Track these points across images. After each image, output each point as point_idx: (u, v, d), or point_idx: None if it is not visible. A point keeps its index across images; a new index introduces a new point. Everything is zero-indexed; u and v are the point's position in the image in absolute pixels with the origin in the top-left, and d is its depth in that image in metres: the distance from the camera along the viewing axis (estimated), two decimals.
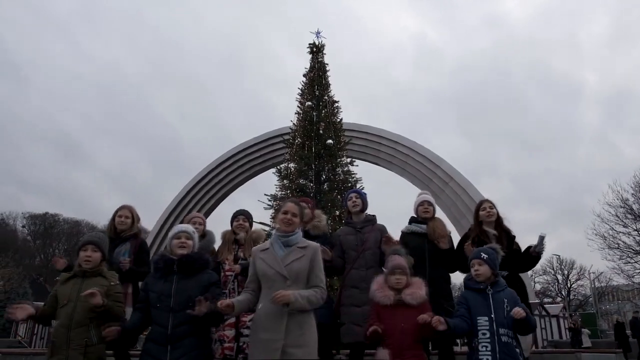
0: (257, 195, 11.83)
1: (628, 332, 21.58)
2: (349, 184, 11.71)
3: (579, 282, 53.40)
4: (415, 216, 5.41)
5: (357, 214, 5.48)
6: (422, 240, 5.09)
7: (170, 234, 4.07)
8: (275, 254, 3.62)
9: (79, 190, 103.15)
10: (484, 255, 4.05)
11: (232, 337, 4.79)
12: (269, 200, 11.61)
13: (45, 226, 75.84)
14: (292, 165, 12.16)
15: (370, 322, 4.03)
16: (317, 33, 13.92)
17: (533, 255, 4.85)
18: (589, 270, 46.16)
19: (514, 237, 5.09)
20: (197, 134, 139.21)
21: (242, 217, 5.41)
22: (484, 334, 3.79)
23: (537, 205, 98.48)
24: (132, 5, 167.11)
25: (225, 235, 5.39)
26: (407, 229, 5.34)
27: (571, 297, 52.95)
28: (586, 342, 22.09)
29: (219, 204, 36.37)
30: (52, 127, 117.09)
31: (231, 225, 5.42)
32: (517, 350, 3.81)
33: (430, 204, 5.41)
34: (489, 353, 3.72)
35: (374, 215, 5.53)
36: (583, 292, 53.31)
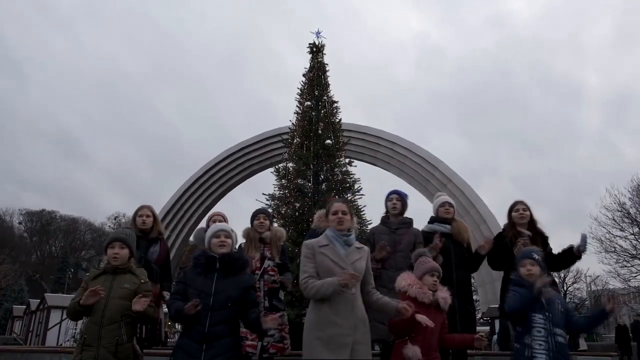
0: (257, 194, 11.82)
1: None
2: (347, 185, 11.71)
3: (575, 285, 53.43)
4: (435, 216, 5.39)
5: (395, 215, 5.41)
6: (447, 241, 5.03)
7: (209, 232, 4.03)
8: (338, 251, 3.65)
9: (77, 188, 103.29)
10: (536, 255, 4.04)
11: (255, 335, 4.77)
12: (267, 200, 11.59)
13: (42, 223, 75.75)
14: (290, 165, 12.15)
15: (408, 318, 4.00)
16: (317, 33, 13.91)
17: (576, 254, 4.90)
18: (585, 274, 46.30)
19: (547, 237, 5.11)
20: (198, 132, 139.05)
21: (262, 215, 5.44)
22: (539, 331, 3.73)
23: (537, 207, 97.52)
24: (134, 1, 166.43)
25: (249, 234, 5.37)
26: (429, 228, 5.28)
27: (567, 300, 53.01)
28: (582, 345, 22.13)
29: (216, 203, 36.33)
30: (52, 124, 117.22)
31: (251, 223, 5.42)
32: (569, 352, 3.79)
33: (451, 204, 5.40)
34: (544, 352, 3.66)
35: (410, 218, 5.44)
36: (579, 295, 53.37)
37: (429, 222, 5.40)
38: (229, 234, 3.99)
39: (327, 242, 3.70)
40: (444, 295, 4.04)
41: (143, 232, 5.21)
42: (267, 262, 5.13)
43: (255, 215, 5.44)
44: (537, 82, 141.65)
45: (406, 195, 5.53)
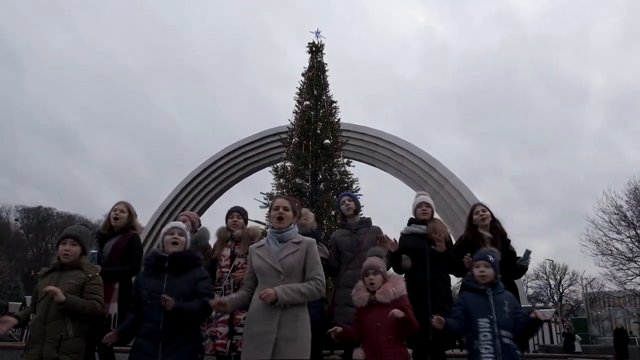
0: (255, 192, 11.77)
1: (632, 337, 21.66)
2: (345, 184, 11.72)
3: (571, 287, 53.59)
4: (414, 217, 5.40)
5: (351, 216, 5.55)
6: (422, 242, 5.07)
7: (163, 230, 4.11)
8: (270, 249, 3.66)
9: (75, 184, 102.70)
10: (490, 257, 4.06)
11: (225, 334, 4.78)
12: (265, 199, 11.60)
13: (39, 220, 75.54)
14: (288, 164, 12.16)
15: (354, 325, 4.09)
16: (317, 33, 13.92)
17: (518, 267, 4.88)
18: (581, 276, 46.40)
19: (509, 240, 5.09)
20: (196, 128, 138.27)
21: (236, 213, 5.39)
22: (485, 335, 3.76)
23: (537, 208, 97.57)
24: None
25: (220, 232, 5.37)
26: (407, 230, 5.31)
27: (563, 302, 53.12)
28: (577, 347, 22.21)
29: (214, 201, 36.31)
30: (49, 118, 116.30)
31: (226, 222, 5.41)
32: (518, 352, 3.80)
33: (428, 205, 5.38)
34: (491, 355, 3.70)
35: (369, 218, 5.58)
36: (575, 297, 53.52)
37: (407, 224, 5.41)
38: (182, 232, 4.04)
39: (264, 243, 3.76)
40: (384, 288, 4.00)
41: (112, 230, 5.00)
42: (237, 260, 5.10)
43: (229, 214, 5.42)
44: (540, 81, 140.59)
45: (357, 196, 5.77)
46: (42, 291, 3.84)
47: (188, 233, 4.18)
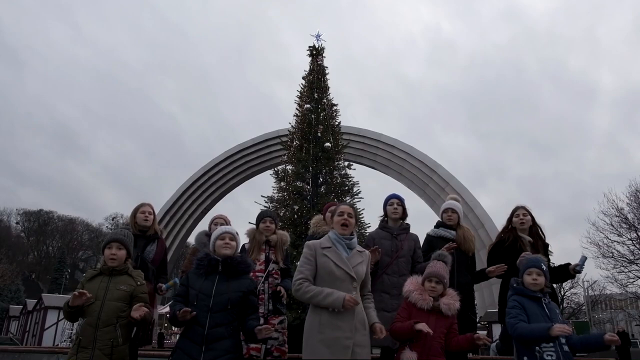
0: (255, 196, 11.77)
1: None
2: (346, 187, 11.73)
3: (572, 290, 53.39)
4: (442, 221, 5.37)
5: (395, 220, 5.33)
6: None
7: (214, 234, 4.07)
8: (340, 254, 3.66)
9: (75, 184, 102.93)
10: (544, 266, 4.03)
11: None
12: (266, 202, 11.59)
13: (40, 223, 75.58)
14: (289, 167, 12.17)
15: (400, 317, 3.99)
16: (317, 36, 13.96)
17: (571, 273, 4.85)
18: (582, 279, 46.26)
19: (548, 244, 5.07)
20: (198, 126, 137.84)
21: (269, 219, 5.42)
22: (548, 342, 3.73)
23: (541, 210, 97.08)
24: None
25: (254, 235, 5.37)
26: (435, 233, 5.29)
27: (564, 305, 53.00)
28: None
29: (215, 204, 36.33)
30: (49, 116, 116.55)
31: (257, 225, 5.42)
32: None
33: (454, 211, 5.34)
34: None
35: (409, 224, 5.40)
36: (576, 300, 53.35)
37: (435, 227, 5.39)
38: (233, 237, 4.01)
39: (330, 245, 3.72)
40: (448, 301, 4.01)
41: (141, 231, 5.18)
42: (271, 265, 5.15)
43: (261, 218, 5.43)
44: (548, 79, 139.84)
45: (404, 200, 5.48)
46: (88, 295, 3.70)
47: (239, 238, 4.16)
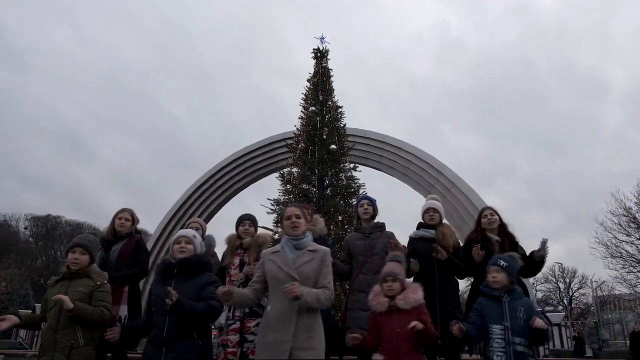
0: (264, 197, 11.77)
1: None
2: (352, 190, 11.73)
3: (580, 290, 53.11)
4: (423, 221, 5.42)
5: (367, 220, 5.52)
6: (431, 246, 5.09)
7: (172, 239, 4.13)
8: (286, 257, 3.65)
9: (82, 188, 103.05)
10: (502, 262, 4.05)
11: (236, 342, 4.80)
12: (272, 205, 11.61)
13: (48, 228, 75.98)
14: (295, 170, 12.19)
15: (369, 331, 4.06)
16: (321, 38, 14.00)
17: (537, 260, 4.86)
18: (591, 279, 45.96)
19: (517, 242, 5.10)
20: (204, 127, 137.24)
21: (247, 222, 5.42)
22: (498, 342, 3.75)
23: (550, 210, 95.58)
24: None
25: (230, 240, 5.39)
26: (416, 234, 5.36)
27: (573, 305, 52.67)
28: (588, 351, 22.01)
29: (220, 208, 36.39)
30: (54, 119, 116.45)
31: (236, 229, 5.43)
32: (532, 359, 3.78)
33: (435, 210, 5.41)
34: None
35: (383, 223, 5.56)
36: (585, 300, 53.01)
37: (416, 228, 5.46)
38: (189, 240, 4.07)
39: (279, 249, 3.75)
40: (404, 295, 3.99)
41: (115, 236, 5.21)
42: (246, 268, 5.11)
43: (240, 221, 5.44)
44: (558, 76, 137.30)
45: (375, 200, 5.66)
46: (51, 300, 3.89)
47: (198, 238, 4.19)
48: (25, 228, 76.35)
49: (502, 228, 5.14)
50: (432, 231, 5.24)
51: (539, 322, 3.71)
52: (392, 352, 3.82)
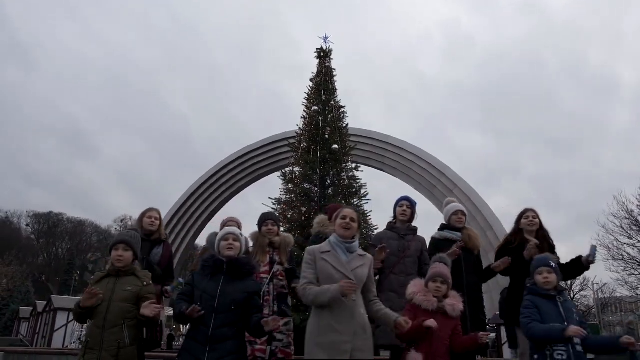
0: (266, 197, 11.78)
1: None
2: (354, 189, 11.72)
3: (582, 292, 53.02)
4: (446, 223, 5.40)
5: (403, 222, 5.42)
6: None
7: (218, 236, 4.09)
8: (340, 258, 3.65)
9: (84, 186, 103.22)
10: (553, 263, 4.04)
11: (264, 339, 4.79)
12: (274, 204, 11.62)
13: (49, 225, 76.17)
14: (297, 169, 12.18)
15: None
16: (325, 38, 14.01)
17: (584, 265, 4.84)
18: (592, 281, 45.88)
19: (554, 247, 5.08)
20: (209, 125, 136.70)
21: (270, 221, 5.46)
22: (562, 342, 3.72)
23: (554, 210, 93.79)
24: None
25: (257, 238, 5.40)
26: (440, 236, 5.31)
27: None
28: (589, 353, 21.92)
29: (223, 205, 36.46)
30: (59, 117, 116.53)
31: (259, 228, 5.45)
32: None
33: (464, 213, 5.44)
34: None
35: (416, 227, 5.49)
36: (586, 303, 52.93)
37: (439, 229, 5.41)
38: (237, 238, 4.02)
39: (329, 249, 3.72)
40: (452, 302, 4.02)
41: (147, 235, 5.30)
42: (276, 267, 5.17)
43: (263, 221, 5.47)
44: (567, 74, 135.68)
45: (416, 204, 5.55)
46: (99, 295, 3.76)
47: (243, 238, 4.18)
48: (27, 225, 76.56)
49: (542, 233, 5.09)
50: (458, 233, 5.21)
51: (628, 341, 3.65)
52: (430, 352, 3.80)
